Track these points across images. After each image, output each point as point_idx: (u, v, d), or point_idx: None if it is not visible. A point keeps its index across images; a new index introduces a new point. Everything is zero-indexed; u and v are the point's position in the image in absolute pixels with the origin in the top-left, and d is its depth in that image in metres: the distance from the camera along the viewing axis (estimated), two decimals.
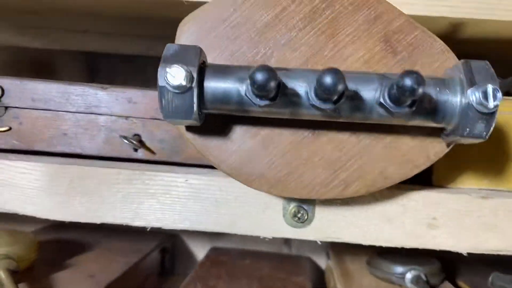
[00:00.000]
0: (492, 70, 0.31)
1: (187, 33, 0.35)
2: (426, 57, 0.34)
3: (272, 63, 0.34)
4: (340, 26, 0.34)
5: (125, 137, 0.42)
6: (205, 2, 0.35)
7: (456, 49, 0.35)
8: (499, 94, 0.29)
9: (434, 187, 0.40)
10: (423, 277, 0.48)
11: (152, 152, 0.43)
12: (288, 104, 0.30)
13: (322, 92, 0.27)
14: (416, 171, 0.35)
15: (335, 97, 0.28)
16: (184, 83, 0.29)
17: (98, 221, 0.40)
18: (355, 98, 0.29)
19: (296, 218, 0.38)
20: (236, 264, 0.63)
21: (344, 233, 0.39)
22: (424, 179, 0.41)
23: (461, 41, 0.45)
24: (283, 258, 0.69)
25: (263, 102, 0.29)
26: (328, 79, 0.26)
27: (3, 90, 0.43)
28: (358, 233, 0.39)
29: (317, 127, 0.34)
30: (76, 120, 0.43)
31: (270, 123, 0.34)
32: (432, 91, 0.30)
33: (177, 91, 0.29)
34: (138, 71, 0.78)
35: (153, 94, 0.43)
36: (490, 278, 0.50)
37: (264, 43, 0.34)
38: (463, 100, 0.30)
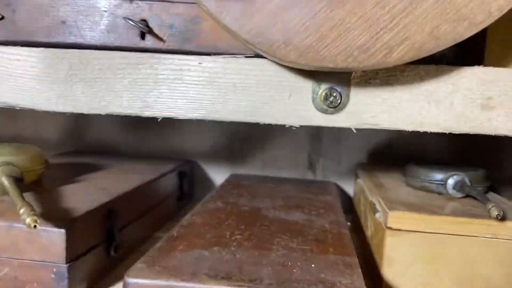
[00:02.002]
0: None
1: None
2: None
3: None
4: None
5: (131, 19, 0.36)
6: None
7: None
8: None
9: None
10: (468, 182, 0.42)
11: (161, 39, 0.38)
12: None
13: None
14: (474, 30, 0.29)
15: None
16: None
17: (103, 111, 0.35)
18: None
19: (328, 102, 0.33)
20: (259, 187, 0.59)
21: (384, 118, 0.33)
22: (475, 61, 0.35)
23: None
24: (308, 182, 0.65)
25: None
26: None
27: None
28: (400, 117, 0.33)
29: None
30: (75, 6, 0.38)
31: None
32: None
33: None
34: None
35: None
36: None
37: None
38: None
